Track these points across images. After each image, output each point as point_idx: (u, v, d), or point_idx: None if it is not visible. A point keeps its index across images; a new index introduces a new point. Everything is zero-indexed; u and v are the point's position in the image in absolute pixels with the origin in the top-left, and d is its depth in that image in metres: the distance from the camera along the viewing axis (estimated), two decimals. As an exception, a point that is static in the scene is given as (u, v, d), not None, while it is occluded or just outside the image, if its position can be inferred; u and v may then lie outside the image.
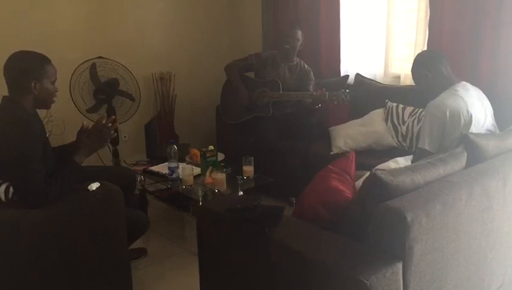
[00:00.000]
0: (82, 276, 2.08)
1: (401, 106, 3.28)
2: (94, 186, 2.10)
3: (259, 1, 4.67)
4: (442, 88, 2.32)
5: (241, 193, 2.76)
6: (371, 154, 3.07)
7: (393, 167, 2.05)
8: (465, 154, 1.86)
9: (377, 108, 3.43)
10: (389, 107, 3.34)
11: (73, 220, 2.02)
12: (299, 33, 3.73)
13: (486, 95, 2.45)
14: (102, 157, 3.69)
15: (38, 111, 2.24)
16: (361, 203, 1.61)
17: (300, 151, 3.44)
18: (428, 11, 3.31)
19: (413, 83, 3.48)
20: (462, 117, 2.16)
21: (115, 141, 3.78)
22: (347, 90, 3.34)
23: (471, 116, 2.17)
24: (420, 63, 2.42)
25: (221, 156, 3.27)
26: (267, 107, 3.69)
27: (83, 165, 2.19)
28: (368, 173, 1.69)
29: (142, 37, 4.27)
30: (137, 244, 2.67)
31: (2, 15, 3.46)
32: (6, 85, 2.07)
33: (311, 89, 3.74)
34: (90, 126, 2.27)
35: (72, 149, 2.24)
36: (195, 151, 3.29)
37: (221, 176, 2.81)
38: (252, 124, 3.76)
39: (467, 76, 2.78)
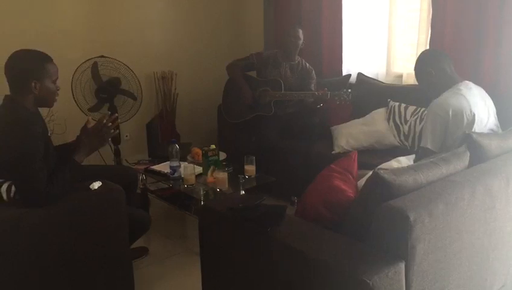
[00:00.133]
0: (84, 275, 2.08)
1: (403, 105, 3.27)
2: (96, 185, 2.10)
3: (261, 0, 4.67)
4: (445, 87, 2.31)
5: (243, 192, 2.76)
6: (373, 154, 3.06)
7: (395, 166, 2.05)
8: (468, 153, 1.86)
9: (379, 107, 3.43)
10: (391, 106, 3.33)
11: (75, 219, 2.02)
12: (300, 32, 3.73)
13: (488, 95, 2.45)
14: (104, 156, 3.69)
15: (40, 109, 2.24)
16: (364, 202, 1.61)
17: (302, 151, 3.44)
18: (431, 10, 3.31)
19: (415, 82, 3.49)
20: (465, 116, 2.16)
21: (117, 140, 3.78)
22: (349, 90, 3.34)
23: (474, 115, 2.16)
24: (424, 61, 2.41)
25: (223, 155, 3.27)
26: (269, 107, 3.69)
27: (84, 164, 2.18)
28: (370, 173, 1.69)
29: (143, 36, 4.27)
30: (138, 243, 2.67)
31: (3, 14, 3.46)
32: (7, 84, 2.07)
33: (313, 88, 3.74)
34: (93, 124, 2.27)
35: (72, 148, 2.24)
36: (197, 151, 3.29)
37: (223, 175, 2.81)
38: (253, 123, 3.76)
39: (469, 75, 2.77)
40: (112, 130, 2.22)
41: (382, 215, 1.46)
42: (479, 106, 2.23)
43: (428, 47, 3.35)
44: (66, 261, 2.00)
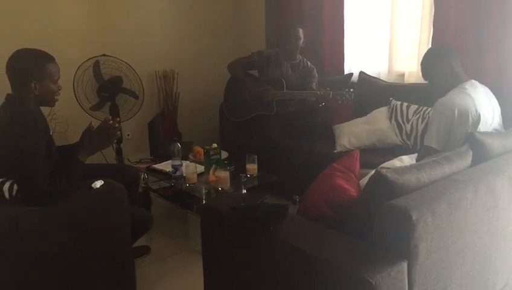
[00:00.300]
0: (85, 274, 2.08)
1: (405, 104, 3.27)
2: (98, 184, 2.10)
3: (262, -2, 4.67)
4: (451, 85, 2.30)
5: (245, 191, 2.76)
6: (375, 153, 3.06)
7: (398, 165, 2.04)
8: (471, 152, 1.86)
9: (381, 106, 3.42)
10: (393, 105, 3.33)
11: (77, 218, 2.02)
12: (300, 31, 3.73)
13: (490, 93, 2.44)
14: (106, 155, 3.69)
15: (42, 108, 2.24)
16: (366, 201, 1.61)
17: (304, 150, 3.44)
18: (433, 8, 3.29)
19: (417, 81, 3.52)
20: (470, 116, 2.15)
21: (118, 139, 3.78)
22: (351, 90, 3.34)
23: (479, 115, 2.16)
24: (432, 57, 2.39)
25: (224, 154, 3.27)
26: (271, 106, 3.69)
27: (86, 162, 2.18)
28: (372, 172, 1.69)
29: (145, 35, 4.27)
30: (140, 242, 2.67)
31: (5, 14, 3.46)
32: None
33: (315, 87, 3.74)
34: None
35: (76, 148, 2.24)
36: (199, 149, 3.29)
37: (224, 174, 2.81)
38: (255, 122, 3.76)
39: (472, 74, 2.76)
40: (118, 132, 2.22)
41: (385, 215, 1.46)
42: (484, 106, 2.23)
43: (430, 46, 3.34)
44: (67, 260, 2.00)
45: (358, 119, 3.47)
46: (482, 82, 2.48)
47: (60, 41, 3.67)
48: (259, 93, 3.74)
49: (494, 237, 1.80)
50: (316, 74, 3.83)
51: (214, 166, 2.93)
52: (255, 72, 3.97)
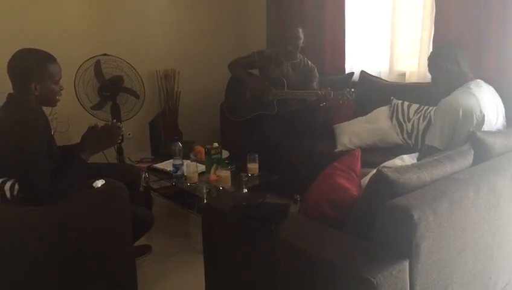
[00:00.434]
0: (87, 273, 2.08)
1: (406, 103, 3.26)
2: (99, 183, 2.10)
3: (263, -2, 4.67)
4: (456, 83, 2.28)
5: (246, 190, 2.76)
6: (376, 152, 3.05)
7: (399, 164, 2.04)
8: (472, 151, 1.86)
9: (382, 105, 3.42)
10: (394, 104, 3.32)
11: (78, 218, 2.02)
12: (300, 31, 3.73)
13: (492, 93, 2.43)
14: (107, 154, 3.67)
15: (44, 108, 2.24)
16: (368, 201, 1.61)
17: (305, 149, 3.44)
18: (434, 8, 3.29)
19: (418, 81, 3.52)
20: (474, 117, 2.13)
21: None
22: (352, 90, 3.34)
23: (483, 116, 2.14)
24: (441, 53, 2.36)
25: (225, 154, 3.27)
26: (272, 105, 3.69)
27: (87, 162, 2.19)
28: (373, 171, 1.68)
29: (146, 35, 4.27)
30: (141, 241, 2.67)
31: (7, 14, 3.46)
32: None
33: (315, 86, 3.74)
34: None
35: (78, 147, 2.25)
36: (200, 149, 3.29)
37: (225, 174, 2.81)
38: (256, 122, 3.76)
39: (473, 74, 2.76)
40: (121, 134, 2.24)
41: (386, 214, 1.46)
42: (489, 106, 2.22)
43: (431, 45, 3.34)
44: (67, 260, 2.00)
45: (359, 119, 3.47)
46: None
47: (61, 40, 3.66)
48: (260, 93, 3.74)
49: (496, 236, 1.79)
50: (317, 73, 3.83)
51: (215, 165, 2.93)
52: (255, 72, 3.97)
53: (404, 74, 3.71)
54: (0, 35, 3.37)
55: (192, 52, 4.58)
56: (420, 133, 3.06)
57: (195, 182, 2.87)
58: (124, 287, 2.26)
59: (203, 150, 3.17)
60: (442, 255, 1.52)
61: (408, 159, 2.16)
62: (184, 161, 3.01)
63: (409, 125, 3.15)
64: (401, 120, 3.21)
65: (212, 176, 2.89)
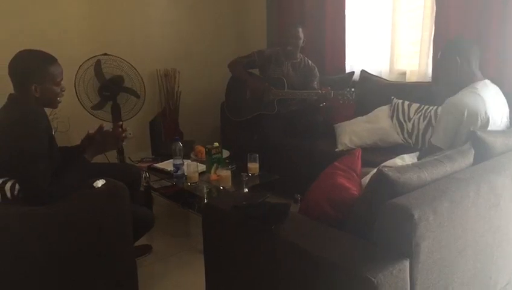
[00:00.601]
0: (87, 273, 2.08)
1: (406, 102, 3.26)
2: (99, 183, 2.10)
3: (263, -2, 4.67)
4: (464, 81, 2.24)
5: (246, 190, 2.76)
6: (376, 151, 3.05)
7: (399, 164, 2.04)
8: (472, 151, 1.85)
9: (383, 105, 3.41)
10: (395, 103, 3.32)
11: (78, 218, 2.02)
12: (300, 31, 3.73)
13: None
14: (107, 154, 3.67)
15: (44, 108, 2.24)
16: (368, 200, 1.61)
17: (306, 149, 3.44)
18: (435, 7, 3.29)
19: (419, 80, 3.52)
20: (479, 119, 2.12)
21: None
22: (352, 89, 3.34)
23: (488, 118, 2.13)
24: (453, 47, 2.31)
25: (226, 153, 3.27)
26: (272, 105, 3.69)
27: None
28: (374, 170, 1.68)
29: (146, 34, 4.27)
30: (142, 241, 2.67)
31: (7, 14, 3.46)
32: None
33: (316, 86, 3.74)
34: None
35: (81, 149, 2.26)
36: (200, 148, 3.29)
37: (226, 173, 2.81)
38: (256, 122, 3.76)
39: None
40: (125, 137, 2.29)
41: (386, 213, 1.46)
42: (494, 108, 2.20)
43: (432, 44, 3.34)
44: (68, 259, 2.00)
45: (360, 118, 3.47)
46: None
47: (61, 40, 3.67)
48: (261, 93, 3.74)
49: (496, 235, 1.79)
50: (317, 73, 3.83)
51: (215, 165, 2.93)
52: (256, 72, 3.97)
53: (404, 74, 3.71)
54: (0, 35, 3.37)
55: (193, 51, 4.58)
56: (420, 132, 3.06)
57: (196, 182, 2.87)
58: (124, 287, 2.26)
59: (203, 149, 3.17)
60: (443, 254, 1.52)
61: (408, 159, 2.16)
62: (184, 160, 3.01)
63: (410, 125, 3.15)
64: (402, 120, 3.21)
65: (213, 176, 2.89)
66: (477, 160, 1.85)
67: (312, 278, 1.45)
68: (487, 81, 2.28)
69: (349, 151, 2.54)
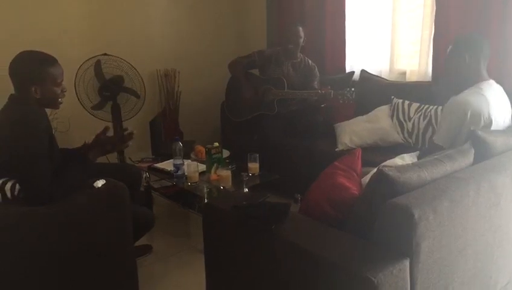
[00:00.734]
0: (87, 273, 2.08)
1: (406, 102, 3.26)
2: (100, 183, 2.10)
3: (263, -2, 4.67)
4: (470, 80, 2.21)
5: (246, 189, 2.76)
6: (377, 151, 3.06)
7: (399, 163, 2.04)
8: (473, 150, 1.85)
9: (383, 104, 3.41)
10: (395, 103, 3.32)
11: (78, 218, 2.02)
12: (301, 30, 3.73)
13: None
14: (108, 154, 3.68)
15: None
16: (368, 200, 1.61)
17: (306, 148, 3.44)
18: (434, 7, 3.29)
19: (419, 80, 3.52)
20: (482, 119, 2.11)
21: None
22: (352, 89, 3.34)
23: (491, 119, 2.12)
24: (463, 43, 2.28)
25: (226, 153, 3.27)
26: (272, 105, 3.69)
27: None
28: (374, 170, 1.68)
29: (146, 34, 4.27)
30: (142, 241, 2.67)
31: (7, 14, 3.46)
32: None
33: (316, 86, 3.74)
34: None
35: (83, 150, 2.27)
36: (201, 148, 3.29)
37: (226, 173, 2.81)
38: (257, 122, 3.76)
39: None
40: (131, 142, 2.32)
41: (386, 213, 1.46)
42: (497, 109, 2.19)
43: (432, 44, 3.34)
44: (68, 260, 2.00)
45: (360, 118, 3.47)
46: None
47: (61, 40, 3.67)
48: (261, 93, 3.74)
49: (496, 234, 1.79)
50: (317, 73, 3.83)
51: (215, 165, 2.93)
52: (256, 72, 3.97)
53: (404, 73, 3.71)
54: (0, 35, 3.37)
55: (193, 51, 4.58)
56: (421, 132, 3.06)
57: (196, 182, 2.87)
58: (124, 287, 2.26)
59: (203, 149, 3.17)
60: (443, 254, 1.52)
61: (408, 158, 2.16)
62: (185, 160, 3.01)
63: (410, 125, 3.15)
64: (402, 119, 3.21)
65: (213, 176, 2.89)
66: (478, 159, 1.85)
67: (312, 278, 1.45)
68: (492, 82, 2.26)
69: (349, 151, 2.54)
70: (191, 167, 2.88)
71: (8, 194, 1.96)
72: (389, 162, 2.10)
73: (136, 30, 4.19)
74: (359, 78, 3.82)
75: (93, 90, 3.58)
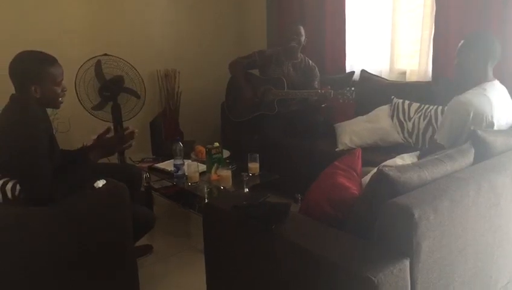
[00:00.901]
0: (88, 274, 2.08)
1: (407, 102, 3.27)
2: (100, 183, 2.11)
3: (264, -3, 4.67)
4: (474, 79, 2.20)
5: (247, 189, 2.76)
6: (377, 151, 3.06)
7: (399, 163, 2.04)
8: (473, 150, 1.85)
9: (383, 104, 3.42)
10: (395, 103, 3.32)
11: (79, 218, 2.02)
12: (302, 29, 3.73)
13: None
14: (108, 154, 3.69)
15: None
16: (368, 200, 1.61)
17: (306, 148, 3.44)
18: (434, 7, 3.29)
19: (419, 79, 3.52)
20: (484, 121, 2.10)
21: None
22: (352, 89, 3.34)
23: (493, 121, 2.12)
24: (473, 41, 2.27)
25: (226, 153, 3.27)
26: (273, 105, 3.69)
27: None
28: (374, 170, 1.68)
29: (146, 34, 4.27)
30: (142, 241, 2.67)
31: (8, 14, 3.47)
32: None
33: (316, 86, 3.74)
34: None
35: (85, 151, 2.27)
36: (201, 148, 3.29)
37: (226, 173, 2.81)
38: (257, 122, 3.76)
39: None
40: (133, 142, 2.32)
41: (387, 213, 1.46)
42: (500, 111, 2.18)
43: (432, 44, 3.34)
44: (68, 260, 2.00)
45: (360, 118, 3.47)
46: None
47: (61, 41, 3.67)
48: (261, 93, 3.74)
49: (497, 234, 1.79)
50: (318, 73, 3.83)
51: (215, 165, 2.93)
52: (256, 72, 3.97)
53: (404, 73, 3.71)
54: (0, 35, 3.38)
55: (193, 52, 4.59)
56: (421, 132, 3.06)
57: (196, 182, 2.88)
58: (125, 287, 2.26)
59: (203, 149, 3.17)
60: (443, 253, 1.52)
61: (409, 158, 2.16)
62: (185, 160, 3.01)
63: (410, 124, 3.15)
64: (402, 119, 3.21)
65: (213, 176, 2.89)
66: (478, 159, 1.85)
67: (312, 277, 1.45)
68: (496, 82, 2.25)
69: (349, 151, 2.54)
70: (192, 167, 2.88)
71: (9, 194, 1.96)
72: (389, 162, 2.10)
73: (136, 30, 4.19)
74: (359, 78, 3.82)
75: (93, 90, 3.58)
